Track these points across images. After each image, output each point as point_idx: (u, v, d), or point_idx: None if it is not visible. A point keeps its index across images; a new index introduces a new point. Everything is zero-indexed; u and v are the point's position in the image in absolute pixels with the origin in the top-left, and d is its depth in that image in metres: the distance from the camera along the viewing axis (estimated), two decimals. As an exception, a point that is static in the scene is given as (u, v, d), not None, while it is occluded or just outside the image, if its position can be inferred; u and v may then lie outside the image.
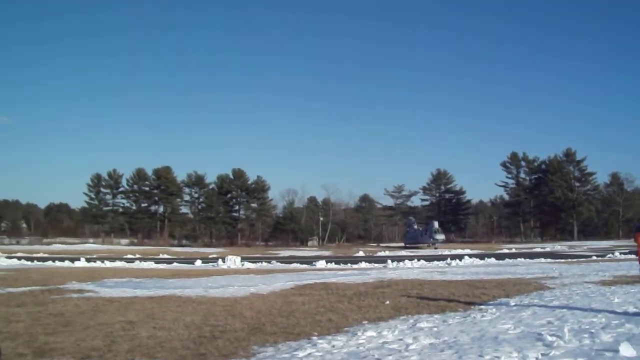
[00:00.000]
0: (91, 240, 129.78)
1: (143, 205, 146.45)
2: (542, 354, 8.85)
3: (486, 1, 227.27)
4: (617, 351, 8.61)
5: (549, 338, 9.91)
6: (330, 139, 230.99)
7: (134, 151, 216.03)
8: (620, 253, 50.97)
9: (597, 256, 48.44)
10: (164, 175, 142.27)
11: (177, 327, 12.57)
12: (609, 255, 48.48)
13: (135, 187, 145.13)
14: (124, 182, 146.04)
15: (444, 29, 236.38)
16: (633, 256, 42.27)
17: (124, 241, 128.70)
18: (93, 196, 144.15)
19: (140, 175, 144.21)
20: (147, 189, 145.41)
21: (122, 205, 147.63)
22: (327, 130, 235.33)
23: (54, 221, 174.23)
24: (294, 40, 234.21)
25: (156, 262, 46.74)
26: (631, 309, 13.34)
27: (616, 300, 15.12)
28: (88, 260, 47.59)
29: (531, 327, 11.50)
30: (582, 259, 44.10)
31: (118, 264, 44.08)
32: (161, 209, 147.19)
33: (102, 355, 9.86)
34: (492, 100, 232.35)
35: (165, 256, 64.46)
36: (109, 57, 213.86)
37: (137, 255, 62.88)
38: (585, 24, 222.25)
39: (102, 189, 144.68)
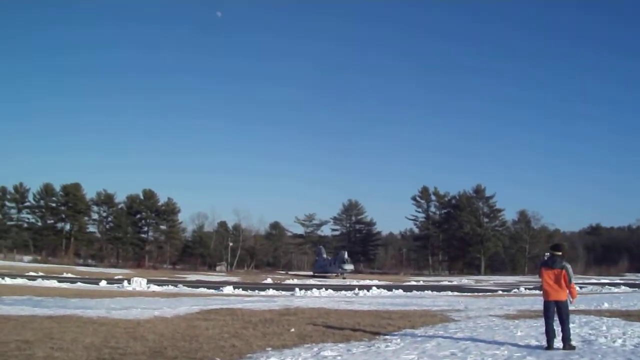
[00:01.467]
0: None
1: (49, 221, 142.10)
2: (443, 386, 8.95)
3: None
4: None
5: (452, 370, 10.03)
6: (243, 163, 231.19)
7: (42, 166, 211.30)
8: (526, 288, 52.20)
9: (502, 291, 49.54)
10: (72, 191, 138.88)
11: (76, 348, 12.24)
12: (514, 290, 49.61)
13: (42, 202, 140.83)
14: (30, 196, 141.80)
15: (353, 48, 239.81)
16: (537, 291, 43.21)
17: (27, 258, 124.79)
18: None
19: (47, 190, 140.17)
20: (54, 205, 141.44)
21: (27, 220, 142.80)
22: (240, 153, 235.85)
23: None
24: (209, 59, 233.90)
25: (59, 281, 45.56)
26: (533, 342, 13.68)
27: (519, 333, 15.47)
28: (-13, 276, 46.16)
29: (435, 358, 11.65)
30: (488, 293, 45.00)
31: (19, 281, 42.88)
32: (68, 227, 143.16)
33: (-7, 375, 9.52)
34: (403, 135, 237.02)
35: (70, 275, 63.04)
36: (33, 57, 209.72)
37: (40, 273, 61.33)
38: (491, 65, 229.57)
39: (6, 203, 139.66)
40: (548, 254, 13.57)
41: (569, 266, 12.92)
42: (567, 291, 12.80)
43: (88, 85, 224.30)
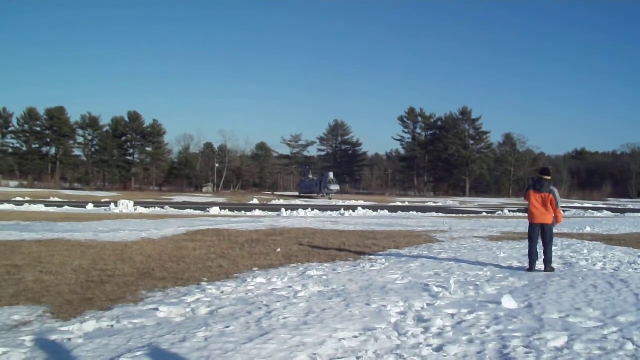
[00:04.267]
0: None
1: (34, 146, 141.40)
2: (427, 304, 9.11)
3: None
4: (499, 303, 8.94)
5: (435, 289, 10.20)
6: (229, 85, 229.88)
7: (26, 89, 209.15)
8: (510, 211, 52.79)
9: (487, 213, 50.04)
10: (56, 115, 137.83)
11: (65, 271, 12.33)
12: (498, 213, 50.10)
13: (26, 127, 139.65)
14: (14, 121, 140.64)
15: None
16: (521, 214, 43.85)
17: (13, 183, 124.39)
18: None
19: (31, 114, 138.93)
20: (38, 129, 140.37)
21: (11, 145, 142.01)
22: (226, 76, 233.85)
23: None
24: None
25: (46, 205, 45.46)
26: (515, 264, 13.88)
27: (502, 255, 15.68)
28: (-26, 201, 46.12)
29: (419, 278, 11.80)
30: (472, 215, 45.37)
31: (6, 206, 42.73)
32: (53, 151, 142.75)
33: (-16, 299, 9.60)
34: (389, 57, 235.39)
35: (56, 199, 62.92)
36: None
37: (27, 198, 61.09)
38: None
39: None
40: (534, 177, 13.63)
41: (556, 191, 13.00)
42: (553, 215, 12.94)
43: (68, 14, 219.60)
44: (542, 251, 12.90)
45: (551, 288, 10.53)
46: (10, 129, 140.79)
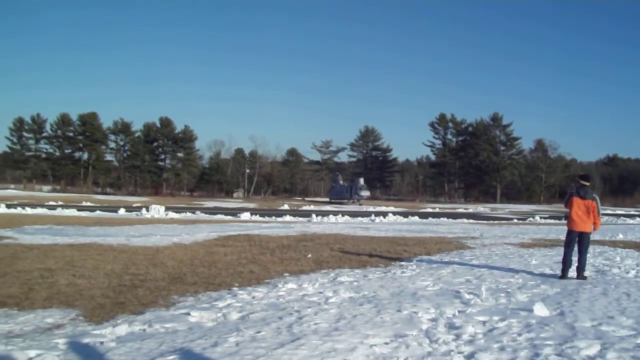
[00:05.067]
0: (12, 186, 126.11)
1: (67, 151, 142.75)
2: (459, 311, 9.06)
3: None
4: (531, 311, 8.87)
5: (467, 296, 10.15)
6: (259, 91, 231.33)
7: (60, 95, 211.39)
8: (541, 217, 52.24)
9: (518, 219, 49.64)
10: (89, 121, 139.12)
11: (97, 275, 12.45)
12: (529, 219, 49.66)
13: (59, 132, 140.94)
14: (47, 127, 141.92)
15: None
16: (552, 220, 43.51)
17: (46, 188, 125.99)
18: (15, 141, 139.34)
19: (64, 120, 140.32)
20: (71, 134, 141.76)
21: (45, 150, 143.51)
22: (256, 82, 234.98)
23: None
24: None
25: (79, 210, 45.92)
26: (547, 271, 13.74)
27: (533, 262, 15.53)
28: (8, 206, 46.60)
29: (450, 284, 11.74)
30: (503, 221, 45.04)
31: (39, 210, 43.28)
32: (85, 156, 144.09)
33: (19, 302, 9.70)
34: (421, 64, 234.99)
35: (88, 204, 63.66)
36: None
37: (60, 202, 61.82)
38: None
39: (24, 134, 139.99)
40: (572, 184, 13.45)
41: (598, 198, 12.87)
42: (592, 222, 12.80)
43: (103, 17, 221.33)
44: (576, 258, 12.78)
45: (583, 296, 10.43)
46: (44, 134, 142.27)
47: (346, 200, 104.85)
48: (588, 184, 12.95)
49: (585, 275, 12.74)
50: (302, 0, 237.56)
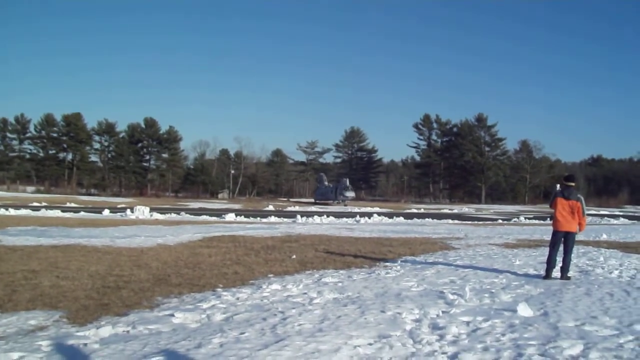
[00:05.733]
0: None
1: (51, 152, 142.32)
2: (442, 312, 9.09)
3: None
4: (515, 311, 8.92)
5: (451, 296, 10.18)
6: (244, 92, 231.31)
7: (43, 96, 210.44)
8: (525, 218, 52.55)
9: (502, 220, 49.90)
10: (73, 121, 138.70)
11: (81, 277, 12.40)
12: (514, 220, 49.95)
13: (43, 133, 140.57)
14: (31, 127, 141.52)
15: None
16: (537, 221, 43.70)
17: (30, 189, 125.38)
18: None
19: (48, 120, 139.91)
20: (55, 135, 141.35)
21: (29, 151, 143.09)
22: (240, 84, 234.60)
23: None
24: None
25: (63, 211, 45.66)
26: (531, 271, 13.82)
27: (518, 262, 15.62)
28: (-9, 207, 46.39)
29: (434, 285, 11.78)
30: (488, 222, 45.27)
31: (23, 211, 43.02)
32: (70, 157, 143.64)
33: (1, 304, 9.63)
34: (405, 66, 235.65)
35: (73, 205, 63.43)
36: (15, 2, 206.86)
37: (44, 203, 61.50)
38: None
39: (8, 134, 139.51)
40: (558, 185, 13.53)
41: (583, 199, 12.94)
42: (578, 223, 12.87)
43: (88, 22, 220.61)
44: (561, 259, 12.84)
45: (567, 296, 10.49)
46: (28, 134, 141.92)
47: (331, 201, 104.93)
48: (573, 184, 13.01)
49: (569, 275, 12.81)
50: (287, 4, 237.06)
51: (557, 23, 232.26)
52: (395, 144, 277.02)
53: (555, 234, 13.04)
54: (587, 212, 13.16)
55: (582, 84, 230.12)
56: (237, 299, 10.30)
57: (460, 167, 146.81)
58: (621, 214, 70.13)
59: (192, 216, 43.54)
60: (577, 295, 10.62)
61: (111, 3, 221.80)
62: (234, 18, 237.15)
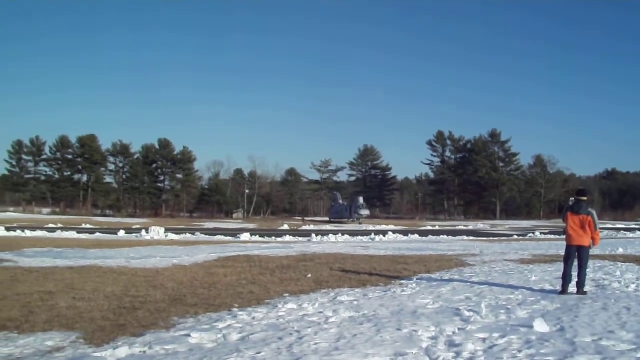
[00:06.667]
0: (12, 209, 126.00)
1: (66, 173, 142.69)
2: (459, 329, 9.07)
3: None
4: (531, 327, 8.88)
5: (467, 313, 10.16)
6: (258, 112, 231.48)
7: (58, 118, 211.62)
8: (541, 233, 52.17)
9: (518, 235, 49.49)
10: (88, 143, 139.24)
11: (97, 298, 12.46)
12: (529, 235, 49.58)
13: (59, 154, 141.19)
14: (46, 149, 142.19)
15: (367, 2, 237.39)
16: (553, 236, 43.43)
17: (46, 210, 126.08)
18: (14, 163, 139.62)
19: (63, 142, 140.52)
20: (70, 157, 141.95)
21: (44, 173, 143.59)
22: (254, 103, 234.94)
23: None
24: (223, 16, 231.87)
25: (78, 232, 45.89)
26: (547, 287, 13.75)
27: (534, 278, 15.53)
28: (8, 229, 46.48)
29: (450, 302, 11.75)
30: (503, 238, 44.97)
31: (39, 233, 43.24)
32: (85, 178, 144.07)
33: (19, 326, 9.71)
34: (420, 77, 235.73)
35: (88, 226, 63.63)
36: (31, 19, 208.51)
37: (59, 225, 61.84)
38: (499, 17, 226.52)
39: (23, 156, 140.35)
40: (573, 199, 13.50)
41: (594, 213, 12.88)
42: (590, 237, 12.82)
43: (101, 40, 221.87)
44: (576, 273, 12.78)
45: (583, 311, 10.44)
46: (43, 157, 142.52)
47: (346, 220, 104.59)
48: (584, 199, 12.98)
49: (585, 290, 12.75)
50: (298, 20, 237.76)
51: (570, 39, 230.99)
52: (409, 161, 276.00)
53: (568, 248, 13.01)
54: (600, 226, 13.11)
55: (595, 97, 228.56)
56: (253, 318, 10.32)
57: (474, 184, 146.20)
58: (637, 227, 69.54)
59: (207, 236, 43.56)
60: (593, 310, 10.56)
61: (123, 20, 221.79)
62: (247, 35, 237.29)
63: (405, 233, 50.47)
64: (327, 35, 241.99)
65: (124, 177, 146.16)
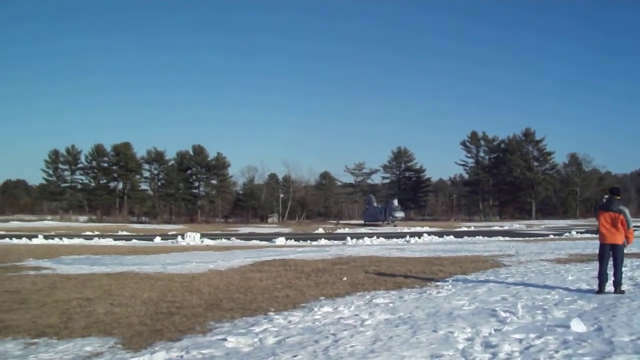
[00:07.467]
0: (49, 217, 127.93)
1: (102, 181, 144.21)
2: (495, 330, 9.02)
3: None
4: (568, 327, 8.80)
5: (503, 314, 10.09)
6: (291, 116, 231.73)
7: (93, 127, 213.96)
8: (577, 232, 51.56)
9: (554, 235, 49.01)
10: (123, 151, 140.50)
11: (135, 304, 12.57)
12: (565, 234, 49.05)
13: (94, 163, 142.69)
14: (82, 158, 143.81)
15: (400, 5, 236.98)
16: (589, 235, 42.91)
17: (83, 218, 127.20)
18: (51, 172, 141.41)
19: (99, 151, 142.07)
20: (106, 165, 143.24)
21: (80, 181, 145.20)
22: (287, 107, 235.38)
23: (11, 198, 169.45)
24: (256, 20, 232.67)
25: (115, 239, 46.35)
26: (584, 286, 13.61)
27: (570, 277, 15.39)
28: (46, 237, 47.13)
29: (486, 303, 11.69)
30: (539, 238, 44.61)
31: (76, 240, 43.70)
32: (120, 186, 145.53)
33: (58, 332, 9.83)
34: (452, 78, 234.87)
35: (124, 233, 64.15)
36: (68, 38, 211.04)
37: (96, 232, 62.35)
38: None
39: (60, 165, 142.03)
40: (606, 196, 13.37)
41: (627, 210, 12.74)
42: (624, 235, 12.69)
43: (135, 44, 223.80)
44: (612, 272, 12.65)
45: (621, 310, 10.33)
46: (79, 165, 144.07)
47: (380, 222, 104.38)
48: (618, 197, 12.84)
49: (622, 289, 12.60)
50: (332, 25, 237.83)
51: (601, 39, 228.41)
52: (443, 163, 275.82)
53: (601, 246, 12.91)
54: (633, 223, 12.98)
55: (629, 94, 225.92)
56: (289, 322, 10.35)
57: (509, 183, 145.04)
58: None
59: (243, 241, 43.69)
60: (631, 309, 10.45)
61: (148, 24, 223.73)
62: (277, 39, 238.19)
63: (440, 234, 50.27)
64: (359, 38, 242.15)
65: (159, 183, 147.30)
